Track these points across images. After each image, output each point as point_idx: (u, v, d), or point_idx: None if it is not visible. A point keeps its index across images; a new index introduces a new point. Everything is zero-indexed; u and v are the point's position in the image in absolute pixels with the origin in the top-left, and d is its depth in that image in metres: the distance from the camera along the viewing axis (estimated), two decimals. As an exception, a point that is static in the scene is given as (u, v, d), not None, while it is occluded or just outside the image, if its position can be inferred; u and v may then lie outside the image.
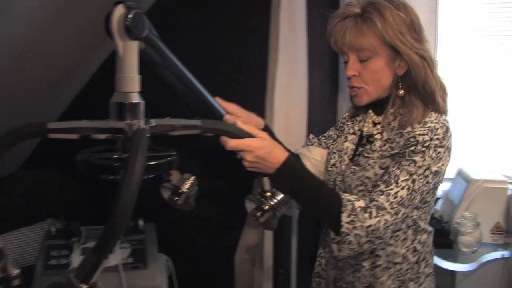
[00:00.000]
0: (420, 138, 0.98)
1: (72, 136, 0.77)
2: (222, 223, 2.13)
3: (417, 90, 1.03)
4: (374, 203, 0.95)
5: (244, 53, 1.79)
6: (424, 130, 0.99)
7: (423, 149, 0.97)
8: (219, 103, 1.07)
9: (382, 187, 0.97)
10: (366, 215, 0.94)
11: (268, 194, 0.98)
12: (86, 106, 1.91)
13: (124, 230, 0.62)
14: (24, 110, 1.90)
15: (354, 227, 0.93)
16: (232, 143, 0.89)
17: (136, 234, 1.69)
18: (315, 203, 1.00)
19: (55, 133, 0.76)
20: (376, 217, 0.93)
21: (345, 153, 1.15)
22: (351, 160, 1.13)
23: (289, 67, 1.61)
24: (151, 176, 0.76)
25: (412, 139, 0.99)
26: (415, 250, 1.08)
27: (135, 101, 0.78)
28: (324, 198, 0.99)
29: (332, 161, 1.17)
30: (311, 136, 1.31)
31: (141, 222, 1.74)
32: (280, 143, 1.06)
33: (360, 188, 1.06)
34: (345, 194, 0.98)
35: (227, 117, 1.03)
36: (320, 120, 1.72)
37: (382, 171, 1.02)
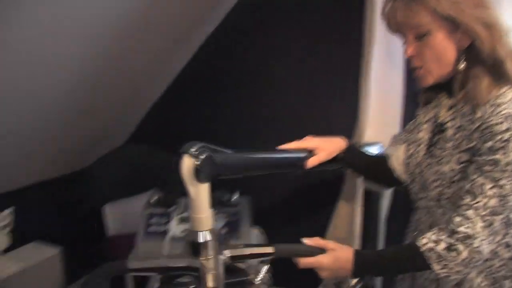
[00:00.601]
0: (496, 129, 0.88)
1: (152, 273, 0.82)
2: (315, 202, 2.19)
3: (483, 62, 0.92)
4: (455, 236, 0.90)
5: (336, 53, 1.73)
6: (499, 118, 0.89)
7: (503, 144, 0.88)
8: (294, 149, 1.10)
9: (468, 200, 0.91)
10: (454, 253, 0.90)
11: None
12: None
13: None
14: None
15: (451, 268, 0.91)
16: (305, 263, 0.90)
17: (231, 206, 1.80)
18: (403, 270, 1.01)
19: (137, 272, 0.81)
20: (466, 248, 0.90)
21: (421, 144, 1.09)
22: (428, 150, 1.07)
23: (383, 64, 1.54)
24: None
25: (487, 131, 0.90)
26: (507, 245, 1.00)
27: (208, 239, 0.80)
28: (407, 262, 0.97)
29: (409, 152, 1.12)
30: (396, 133, 1.26)
31: (236, 195, 1.85)
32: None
33: (436, 184, 1.01)
34: (423, 242, 0.93)
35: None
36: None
37: (459, 167, 0.96)
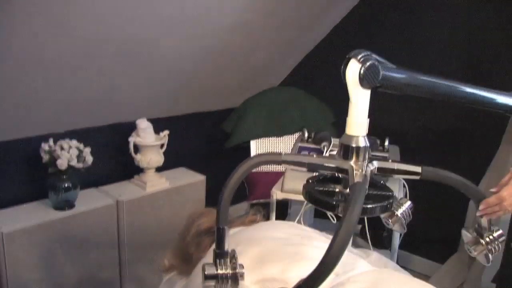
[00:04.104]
0: None
1: (302, 168, 0.88)
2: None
3: None
4: None
5: None
6: None
7: None
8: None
9: None
10: None
11: (485, 229, 0.97)
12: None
13: (331, 273, 0.72)
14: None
15: None
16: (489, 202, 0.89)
17: (381, 151, 1.92)
18: None
19: (287, 164, 0.88)
20: None
21: None
22: None
23: None
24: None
25: None
26: None
27: (361, 145, 0.84)
28: None
29: None
30: None
31: (387, 142, 1.96)
32: None
33: None
34: None
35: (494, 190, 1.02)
36: None
37: None
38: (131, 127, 2.61)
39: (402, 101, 2.74)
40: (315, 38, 3.11)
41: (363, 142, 0.84)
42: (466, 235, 0.98)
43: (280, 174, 2.14)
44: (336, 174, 0.87)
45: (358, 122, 0.83)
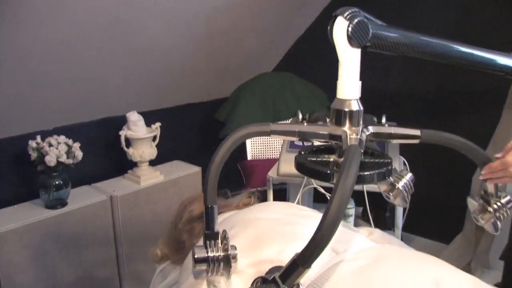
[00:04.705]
0: None
1: (293, 138, 0.83)
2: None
3: None
4: None
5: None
6: None
7: None
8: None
9: None
10: None
11: (492, 196, 0.91)
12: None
13: (327, 244, 0.66)
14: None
15: None
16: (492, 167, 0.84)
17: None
18: None
19: (276, 134, 0.82)
20: None
21: None
22: None
23: None
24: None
25: None
26: None
27: (354, 109, 0.78)
28: None
29: None
30: None
31: (384, 119, 1.93)
32: None
33: None
34: None
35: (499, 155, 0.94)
36: None
37: None
38: (122, 121, 2.54)
39: (396, 67, 2.69)
40: (305, 21, 3.05)
41: (356, 105, 0.78)
42: (472, 203, 0.92)
43: (277, 161, 2.08)
44: (331, 143, 0.81)
45: (349, 84, 0.77)
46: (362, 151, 0.75)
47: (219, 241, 0.81)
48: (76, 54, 2.06)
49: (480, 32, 2.35)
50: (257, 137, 2.92)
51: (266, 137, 2.93)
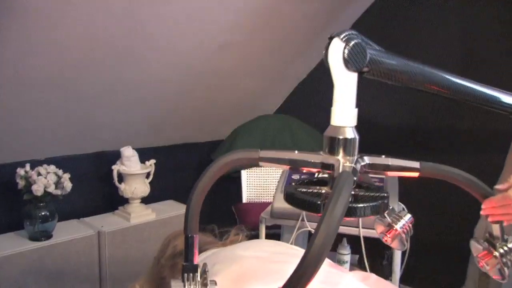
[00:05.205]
0: None
1: (283, 166, 0.77)
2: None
3: None
4: None
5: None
6: None
7: None
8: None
9: None
10: None
11: (498, 239, 0.84)
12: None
13: (314, 275, 0.59)
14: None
15: None
16: (493, 201, 0.78)
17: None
18: None
19: (265, 161, 0.77)
20: None
21: None
22: None
23: None
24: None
25: None
26: None
27: (349, 137, 0.73)
28: None
29: None
30: None
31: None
32: None
33: None
34: None
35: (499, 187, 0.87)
36: None
37: None
38: (117, 157, 2.50)
39: (401, 98, 2.67)
40: (309, 65, 3.05)
41: (351, 133, 0.73)
42: (476, 246, 0.85)
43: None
44: (323, 173, 0.76)
45: (344, 110, 0.73)
46: (355, 178, 0.70)
47: (198, 274, 0.74)
48: (73, 87, 2.04)
49: (485, 71, 2.33)
50: (253, 179, 2.86)
51: (261, 179, 2.88)
